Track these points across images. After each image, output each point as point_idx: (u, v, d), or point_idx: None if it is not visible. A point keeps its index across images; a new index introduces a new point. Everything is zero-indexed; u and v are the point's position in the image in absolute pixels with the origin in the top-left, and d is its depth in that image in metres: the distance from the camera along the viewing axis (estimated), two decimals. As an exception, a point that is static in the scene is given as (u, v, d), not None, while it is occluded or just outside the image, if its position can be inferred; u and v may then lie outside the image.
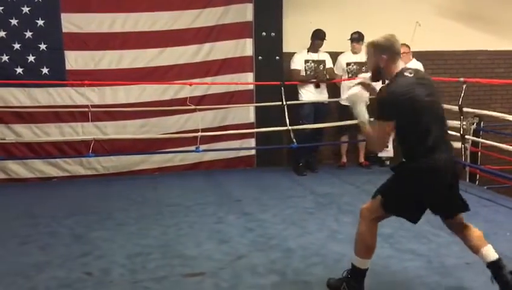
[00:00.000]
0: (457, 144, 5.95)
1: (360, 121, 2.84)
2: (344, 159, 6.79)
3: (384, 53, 2.75)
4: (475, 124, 6.58)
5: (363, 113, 2.83)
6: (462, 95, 5.44)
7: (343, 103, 6.59)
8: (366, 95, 2.88)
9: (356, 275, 2.97)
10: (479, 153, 6.76)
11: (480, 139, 6.44)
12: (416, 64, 6.13)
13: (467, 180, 6.39)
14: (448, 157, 2.75)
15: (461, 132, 5.56)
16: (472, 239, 2.87)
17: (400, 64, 2.78)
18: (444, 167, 2.71)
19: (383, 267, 3.44)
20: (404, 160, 2.84)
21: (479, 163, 6.68)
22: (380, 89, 2.80)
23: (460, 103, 5.45)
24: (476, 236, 2.87)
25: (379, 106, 2.72)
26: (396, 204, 2.83)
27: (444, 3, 7.20)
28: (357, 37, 6.40)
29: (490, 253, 2.80)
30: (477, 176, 6.55)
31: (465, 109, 5.52)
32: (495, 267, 2.78)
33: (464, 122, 5.70)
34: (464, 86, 5.44)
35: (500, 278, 2.76)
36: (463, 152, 5.70)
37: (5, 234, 4.18)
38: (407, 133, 2.73)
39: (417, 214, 2.87)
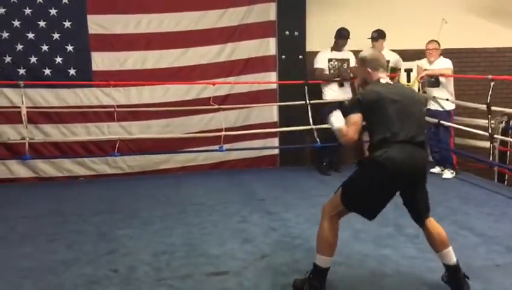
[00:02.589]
0: (485, 144, 5.85)
1: (336, 129, 2.97)
2: None
3: (369, 66, 3.11)
4: (504, 122, 6.45)
5: (338, 126, 2.95)
6: (490, 93, 5.32)
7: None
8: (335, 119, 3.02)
9: (318, 275, 2.99)
10: (508, 153, 6.61)
11: (509, 139, 6.31)
12: (443, 62, 6.02)
13: (495, 180, 6.26)
14: (409, 158, 2.83)
15: (489, 131, 5.46)
16: (434, 239, 3.01)
17: (381, 75, 3.10)
18: (400, 165, 2.80)
19: (408, 267, 3.41)
20: (368, 151, 2.98)
21: (507, 163, 6.53)
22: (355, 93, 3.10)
23: (488, 101, 5.34)
24: (439, 238, 3.00)
25: (348, 104, 3.11)
26: (354, 196, 2.92)
27: (471, 0, 7.07)
28: (375, 36, 6.35)
29: (449, 257, 2.99)
30: (506, 176, 6.41)
31: (493, 108, 5.40)
32: (452, 270, 3.00)
33: (492, 121, 5.59)
34: (492, 84, 5.31)
35: (455, 279, 3.00)
36: (491, 151, 5.59)
37: (33, 232, 4.27)
38: (371, 127, 2.95)
39: (373, 209, 2.95)
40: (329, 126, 3.06)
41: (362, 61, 3.18)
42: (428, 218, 3.05)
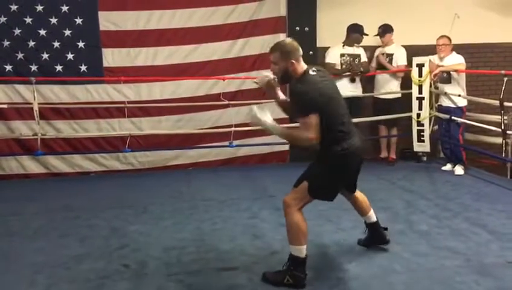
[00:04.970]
0: (498, 140, 5.78)
1: (276, 132, 3.04)
2: (384, 154, 6.71)
3: (293, 58, 2.97)
4: (517, 118, 6.36)
5: (272, 124, 3.02)
6: (504, 88, 5.26)
7: (379, 96, 6.54)
8: (258, 112, 3.04)
9: (298, 265, 3.07)
10: (521, 149, 6.52)
11: (522, 135, 6.21)
12: (456, 58, 5.97)
13: (508, 176, 6.20)
14: (359, 142, 3.11)
15: (502, 127, 5.39)
16: (362, 204, 3.49)
17: (305, 66, 3.03)
18: (358, 150, 3.09)
19: (419, 264, 3.39)
20: (323, 147, 3.02)
21: (520, 159, 6.44)
22: (292, 90, 2.99)
23: (501, 97, 5.28)
24: (365, 203, 3.50)
25: (301, 104, 2.91)
26: (322, 187, 3.08)
27: (483, -6, 6.99)
28: (380, 32, 6.42)
29: (373, 215, 3.54)
30: (519, 172, 6.33)
31: (506, 104, 5.34)
32: (376, 225, 3.56)
33: (505, 117, 5.52)
34: (505, 79, 5.25)
35: (378, 233, 3.57)
36: (504, 148, 5.52)
37: (46, 227, 4.32)
38: (328, 123, 2.94)
39: (336, 193, 3.19)
40: (259, 125, 3.01)
41: (283, 53, 2.97)
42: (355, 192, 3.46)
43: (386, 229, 3.61)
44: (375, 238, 3.59)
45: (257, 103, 6.44)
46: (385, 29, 6.39)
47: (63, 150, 6.19)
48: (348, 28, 6.29)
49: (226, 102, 6.03)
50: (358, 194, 3.48)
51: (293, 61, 2.98)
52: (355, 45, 6.34)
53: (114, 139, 6.22)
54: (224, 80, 6.11)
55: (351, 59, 6.30)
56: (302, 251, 3.07)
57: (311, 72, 3.00)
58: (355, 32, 6.25)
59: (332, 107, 2.99)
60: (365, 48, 6.49)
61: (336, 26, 6.36)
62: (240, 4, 6.39)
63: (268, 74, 3.24)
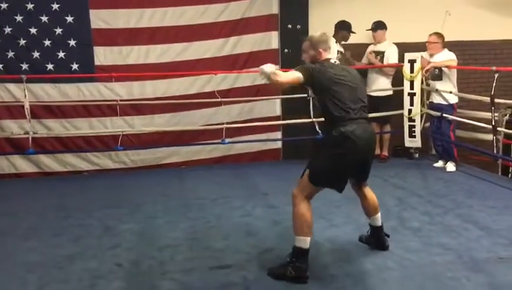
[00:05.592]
0: (489, 136, 5.82)
1: (271, 73, 3.05)
2: (376, 151, 6.73)
3: (321, 47, 3.24)
4: (507, 115, 6.42)
5: (271, 71, 3.07)
6: (494, 85, 5.29)
7: (371, 94, 6.55)
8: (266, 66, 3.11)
9: (301, 256, 3.10)
10: (512, 146, 6.58)
11: (513, 131, 6.27)
12: (447, 55, 5.98)
13: (499, 173, 6.25)
14: (363, 132, 3.12)
15: (493, 124, 5.42)
16: (369, 205, 3.46)
17: (329, 56, 3.27)
18: (358, 138, 3.07)
19: (412, 261, 3.41)
20: (324, 131, 3.19)
21: (511, 156, 6.50)
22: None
23: (492, 94, 5.31)
24: (373, 204, 3.46)
25: (300, 66, 3.19)
26: (322, 172, 3.12)
27: (474, -8, 7.03)
28: (373, 27, 6.43)
29: (378, 220, 3.50)
30: (510, 168, 6.38)
31: (497, 100, 5.37)
32: (378, 230, 3.53)
33: (496, 114, 5.55)
34: (496, 76, 5.28)
35: (380, 238, 3.54)
36: (495, 144, 5.56)
37: (39, 226, 4.30)
38: (327, 104, 3.12)
39: (341, 182, 3.21)
40: (261, 74, 3.14)
41: (312, 42, 3.26)
42: (366, 186, 3.46)
43: (388, 235, 3.60)
44: (374, 242, 3.58)
45: (250, 100, 6.49)
46: (378, 26, 6.40)
47: (55, 149, 6.14)
48: (335, 25, 6.29)
49: (219, 99, 6.02)
50: (369, 193, 3.47)
51: (321, 50, 3.23)
52: (342, 42, 6.36)
53: (106, 137, 6.19)
54: (216, 74, 6.11)
55: (340, 56, 6.33)
56: (305, 241, 3.10)
57: (331, 60, 3.23)
58: (343, 30, 6.26)
59: (337, 90, 3.10)
60: (357, 45, 6.51)
61: (328, 23, 6.33)
62: (232, 2, 6.37)
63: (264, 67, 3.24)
